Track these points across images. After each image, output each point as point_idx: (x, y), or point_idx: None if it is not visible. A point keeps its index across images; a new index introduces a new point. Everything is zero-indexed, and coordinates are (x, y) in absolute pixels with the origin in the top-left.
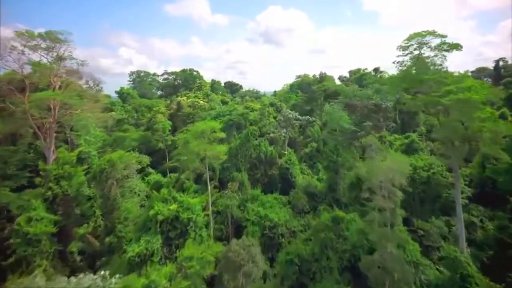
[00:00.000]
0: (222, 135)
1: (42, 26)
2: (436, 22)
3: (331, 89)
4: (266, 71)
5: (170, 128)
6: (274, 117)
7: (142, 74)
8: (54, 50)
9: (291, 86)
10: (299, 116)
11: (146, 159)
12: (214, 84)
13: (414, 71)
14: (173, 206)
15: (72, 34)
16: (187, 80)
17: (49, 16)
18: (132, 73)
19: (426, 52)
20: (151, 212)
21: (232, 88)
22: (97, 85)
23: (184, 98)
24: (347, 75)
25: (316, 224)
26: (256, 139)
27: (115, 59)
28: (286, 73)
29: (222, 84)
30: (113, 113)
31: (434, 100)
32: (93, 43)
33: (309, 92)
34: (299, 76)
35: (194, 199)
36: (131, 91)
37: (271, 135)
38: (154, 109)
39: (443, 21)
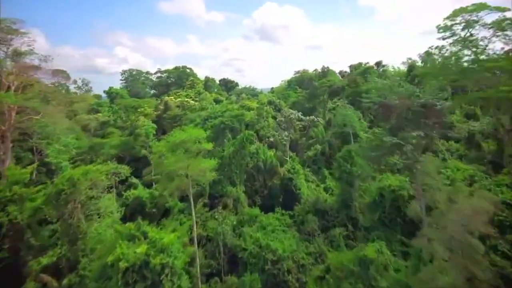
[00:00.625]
0: (209, 146)
1: (36, 26)
2: (434, 16)
3: (337, 85)
4: (263, 68)
5: (155, 132)
6: (273, 117)
7: (134, 72)
8: (8, 43)
9: (289, 82)
10: (302, 116)
11: (126, 170)
12: (208, 82)
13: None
14: (141, 249)
15: (24, 22)
16: (181, 78)
17: (43, 16)
18: (124, 72)
19: (481, 32)
20: (110, 258)
21: (228, 85)
22: (86, 85)
23: (173, 97)
24: (347, 69)
25: (336, 268)
26: (254, 144)
27: (110, 58)
28: (283, 70)
29: (217, 82)
30: (99, 114)
31: None
32: (88, 43)
33: (310, 88)
34: (298, 72)
35: (171, 235)
36: (120, 91)
37: (271, 138)
38: (139, 110)
39: (441, 15)
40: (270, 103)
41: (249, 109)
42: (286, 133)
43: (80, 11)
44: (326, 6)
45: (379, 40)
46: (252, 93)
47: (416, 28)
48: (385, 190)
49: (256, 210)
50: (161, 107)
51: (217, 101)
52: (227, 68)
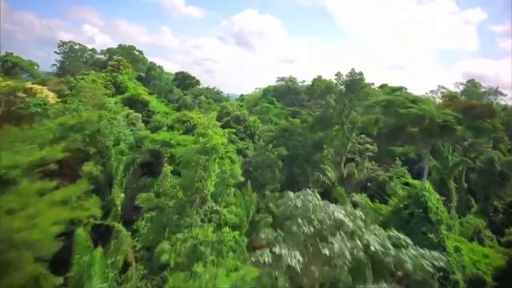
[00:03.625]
0: None
1: None
2: (398, 53)
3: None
4: (234, 73)
5: None
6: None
7: (77, 47)
8: None
9: (265, 91)
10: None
11: None
12: (151, 71)
13: None
14: None
15: None
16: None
17: None
18: (62, 44)
19: None
20: None
21: (185, 81)
22: None
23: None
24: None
25: None
26: None
27: (76, 34)
28: (255, 78)
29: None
30: None
31: None
32: (50, 13)
33: (327, 108)
34: (282, 79)
35: None
36: None
37: None
38: None
39: (405, 53)
40: (236, 120)
41: (194, 127)
42: None
43: None
44: (303, 21)
45: (351, 60)
46: (216, 97)
47: (385, 63)
48: None
49: None
50: None
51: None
52: (197, 67)
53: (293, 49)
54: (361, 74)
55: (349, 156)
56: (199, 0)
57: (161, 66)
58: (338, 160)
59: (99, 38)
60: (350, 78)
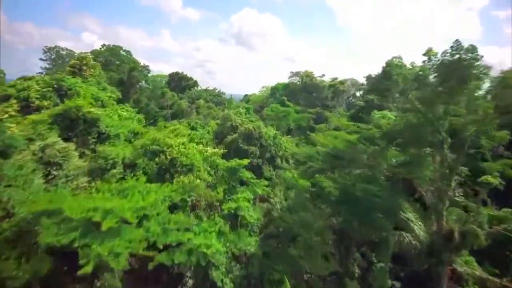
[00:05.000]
0: None
1: None
2: (406, 44)
3: None
4: (235, 73)
5: None
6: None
7: (63, 52)
8: None
9: (274, 89)
10: None
11: None
12: (133, 71)
13: None
14: None
15: None
16: (109, 62)
17: None
18: (48, 50)
19: None
20: None
21: (181, 83)
22: None
23: None
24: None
25: None
26: None
27: (75, 42)
28: (258, 78)
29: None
30: None
31: None
32: (49, 22)
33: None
34: (296, 74)
35: None
36: None
37: None
38: None
39: (412, 46)
40: (247, 138)
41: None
42: None
43: None
44: (305, 19)
45: (352, 58)
46: (217, 99)
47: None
48: None
49: None
50: None
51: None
52: (198, 69)
53: (294, 47)
54: (474, 49)
55: (455, 196)
56: (196, 1)
57: (147, 66)
58: (434, 205)
59: (98, 45)
60: (453, 58)
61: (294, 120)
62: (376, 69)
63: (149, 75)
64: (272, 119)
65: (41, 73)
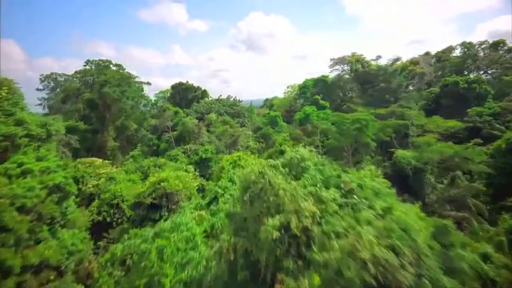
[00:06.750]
0: None
1: (11, 36)
2: (417, 27)
3: None
4: (249, 79)
5: None
6: None
7: (61, 78)
8: None
9: (303, 88)
10: None
11: None
12: (104, 87)
13: None
14: None
15: None
16: (93, 81)
17: (20, 28)
18: (44, 78)
19: None
20: None
21: (187, 95)
22: None
23: None
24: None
25: None
26: None
27: None
28: (271, 79)
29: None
30: None
31: None
32: (68, 53)
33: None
34: (342, 60)
35: None
36: None
37: None
38: None
39: (424, 26)
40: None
41: None
42: None
43: (55, 20)
44: (312, 15)
45: (364, 49)
46: (233, 110)
47: (404, 39)
48: None
49: None
50: None
51: None
52: (213, 79)
53: (304, 44)
54: None
55: None
56: (201, 12)
57: (135, 76)
58: None
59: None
60: None
61: (374, 133)
62: (388, 57)
63: (153, 93)
64: (336, 134)
65: (40, 104)
